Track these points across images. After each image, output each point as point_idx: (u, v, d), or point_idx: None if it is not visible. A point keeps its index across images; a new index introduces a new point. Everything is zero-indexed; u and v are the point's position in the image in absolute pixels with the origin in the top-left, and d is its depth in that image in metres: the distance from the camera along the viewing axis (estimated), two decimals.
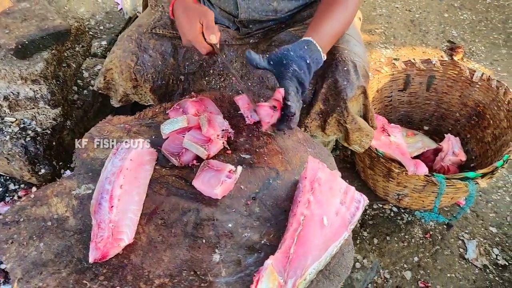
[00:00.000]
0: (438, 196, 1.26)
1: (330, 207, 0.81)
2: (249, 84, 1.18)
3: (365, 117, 1.20)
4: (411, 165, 1.28)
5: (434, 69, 1.70)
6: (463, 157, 1.57)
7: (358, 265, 1.39)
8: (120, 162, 0.85)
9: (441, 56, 2.39)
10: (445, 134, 1.66)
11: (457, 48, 2.42)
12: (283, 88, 0.93)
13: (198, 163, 0.92)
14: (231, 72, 1.05)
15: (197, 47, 1.01)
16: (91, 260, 0.75)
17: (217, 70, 1.23)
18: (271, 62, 0.95)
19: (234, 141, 0.99)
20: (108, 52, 2.01)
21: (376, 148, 1.35)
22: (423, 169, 1.27)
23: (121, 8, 2.48)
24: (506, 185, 1.71)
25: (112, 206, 0.78)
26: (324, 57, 0.99)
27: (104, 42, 2.08)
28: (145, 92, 1.21)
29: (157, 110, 1.07)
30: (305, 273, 0.73)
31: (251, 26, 1.21)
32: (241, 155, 0.96)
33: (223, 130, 0.96)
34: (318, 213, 0.79)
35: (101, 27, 2.44)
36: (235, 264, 0.76)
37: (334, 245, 0.78)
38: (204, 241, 0.79)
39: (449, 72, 1.69)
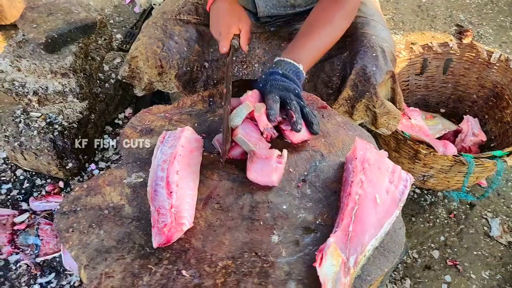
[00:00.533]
0: (467, 176, 1.29)
1: (380, 186, 0.83)
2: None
3: (393, 100, 1.22)
4: (440, 145, 1.31)
5: (451, 52, 1.72)
6: (483, 137, 1.60)
7: None
8: (171, 149, 0.87)
9: (450, 40, 2.41)
10: (463, 116, 1.68)
11: (466, 32, 2.44)
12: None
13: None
14: (227, 79, 1.01)
15: (221, 43, 1.05)
16: (155, 245, 0.76)
17: (240, 57, 1.24)
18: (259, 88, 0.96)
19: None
20: (124, 45, 2.01)
21: (402, 131, 1.37)
22: (452, 149, 1.30)
23: (130, 1, 2.47)
24: None
25: (171, 192, 0.79)
26: (300, 66, 0.97)
27: (119, 36, 2.08)
28: (169, 79, 1.22)
29: (195, 98, 1.08)
30: (365, 249, 0.75)
31: (271, 12, 1.22)
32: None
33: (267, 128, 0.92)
34: (371, 192, 0.81)
35: (111, 21, 2.42)
36: (294, 244, 0.78)
37: (388, 222, 0.80)
38: (261, 223, 0.81)
39: (466, 55, 1.71)
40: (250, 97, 0.93)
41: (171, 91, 1.32)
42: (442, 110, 1.85)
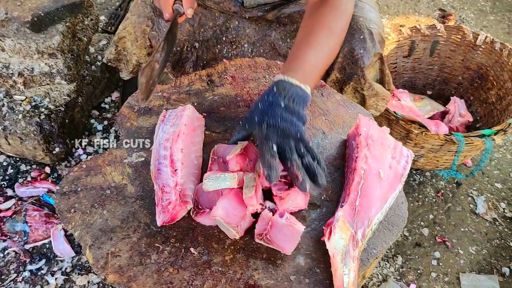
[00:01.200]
0: (457, 154, 1.33)
1: (384, 162, 0.84)
2: (261, 51, 1.18)
3: (381, 81, 1.23)
4: (432, 125, 1.33)
5: (438, 34, 1.75)
6: (469, 118, 1.64)
7: None
8: (173, 128, 0.85)
9: (434, 24, 2.44)
10: (450, 98, 1.72)
11: (448, 16, 2.48)
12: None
13: None
14: (163, 43, 0.85)
15: (163, 9, 0.90)
16: (159, 223, 0.75)
17: (230, 37, 1.22)
18: (246, 126, 0.79)
19: None
20: (109, 27, 1.95)
21: (394, 111, 1.39)
22: (444, 128, 1.33)
23: None
24: (506, 144, 1.81)
25: (176, 170, 0.78)
26: (307, 88, 0.79)
27: (102, 17, 2.01)
28: None
29: (192, 77, 1.06)
30: (371, 223, 0.76)
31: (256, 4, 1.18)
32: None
33: (261, 204, 0.78)
34: (375, 167, 0.82)
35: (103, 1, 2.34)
36: (301, 220, 0.78)
37: (392, 197, 0.81)
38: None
39: (452, 37, 1.74)
40: (235, 164, 0.77)
41: None
42: (429, 92, 1.88)
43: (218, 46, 1.23)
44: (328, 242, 0.72)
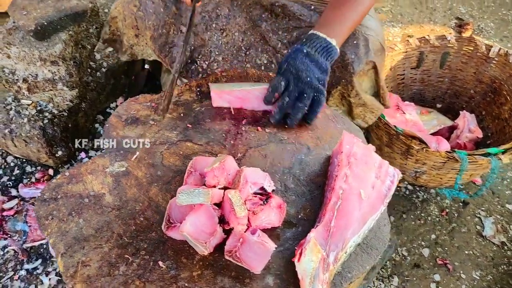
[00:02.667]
0: (460, 173, 1.28)
1: (366, 181, 0.82)
2: (252, 40, 1.18)
3: (377, 94, 1.20)
4: (432, 141, 1.29)
5: (449, 45, 1.70)
6: (479, 134, 1.58)
7: None
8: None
9: (450, 33, 2.37)
10: (460, 112, 1.66)
11: (465, 25, 2.41)
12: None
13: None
14: (185, 39, 1.03)
15: None
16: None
17: (220, 24, 1.20)
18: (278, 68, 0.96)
19: (263, 118, 0.99)
20: None
21: (395, 126, 1.35)
22: (445, 145, 1.28)
23: None
24: None
25: None
26: (333, 40, 0.95)
27: None
28: (146, 43, 1.20)
29: (182, 88, 1.06)
30: (346, 246, 0.74)
31: None
32: (271, 132, 0.96)
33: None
34: (356, 187, 0.80)
35: (106, 10, 2.39)
36: (274, 238, 0.77)
37: (372, 219, 0.79)
38: None
39: (464, 48, 1.68)
40: (213, 177, 0.78)
41: (150, 58, 1.28)
42: (439, 105, 1.82)
43: (208, 33, 1.21)
44: (297, 263, 0.70)
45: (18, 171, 1.59)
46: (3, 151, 1.62)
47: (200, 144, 0.92)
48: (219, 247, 0.75)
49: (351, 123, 1.01)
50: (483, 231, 1.50)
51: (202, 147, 0.91)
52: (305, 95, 0.91)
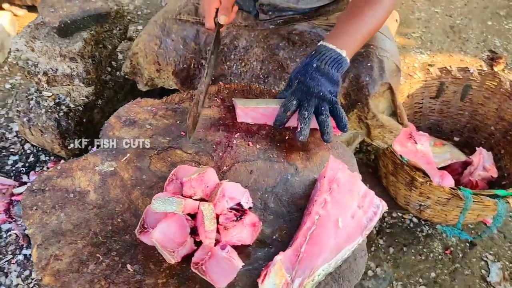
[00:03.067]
0: (463, 212, 1.22)
1: (346, 210, 0.80)
2: (270, 68, 1.17)
3: (394, 113, 1.18)
4: (436, 175, 1.24)
5: (471, 78, 1.64)
6: (494, 173, 1.51)
7: (370, 273, 1.37)
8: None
9: (480, 66, 2.30)
10: (476, 148, 1.60)
11: (498, 59, 2.32)
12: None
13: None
14: (209, 61, 1.01)
15: (205, 20, 1.04)
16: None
17: (238, 55, 1.23)
18: (290, 84, 0.95)
19: (256, 133, 0.99)
20: None
21: (400, 155, 1.32)
22: (449, 181, 1.23)
23: None
24: None
25: None
26: (343, 53, 0.93)
27: (140, 27, 2.13)
28: (167, 76, 1.25)
29: (184, 96, 1.09)
30: (314, 273, 0.72)
31: (270, 13, 1.20)
32: (261, 148, 0.95)
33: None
34: (334, 214, 0.78)
35: (139, 12, 2.49)
36: (245, 256, 0.76)
37: (347, 249, 0.77)
38: None
39: (487, 83, 1.62)
40: (189, 187, 0.77)
41: (171, 88, 1.33)
42: (456, 139, 1.76)
43: (227, 63, 1.25)
44: (260, 285, 0.69)
45: (33, 159, 1.66)
46: (22, 138, 1.71)
47: (189, 153, 0.93)
48: (188, 258, 0.75)
49: (346, 148, 0.99)
50: (488, 276, 1.42)
51: (190, 156, 0.93)
52: (322, 108, 0.89)
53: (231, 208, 0.79)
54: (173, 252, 0.73)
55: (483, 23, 2.63)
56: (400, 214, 1.58)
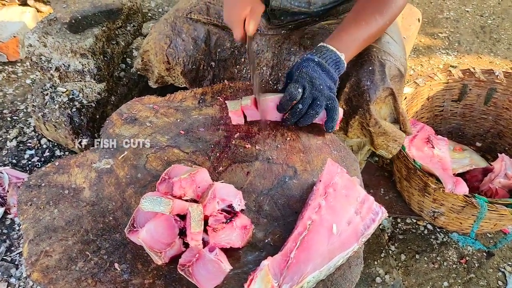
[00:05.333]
0: (477, 220, 1.15)
1: (342, 215, 0.76)
2: (280, 75, 1.15)
3: (397, 121, 1.12)
4: (449, 182, 1.18)
5: (497, 81, 1.55)
6: None
7: (378, 279, 1.31)
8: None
9: (511, 68, 2.18)
10: (498, 154, 1.51)
11: None
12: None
13: None
14: (251, 65, 1.02)
15: (234, 31, 1.01)
16: None
17: (253, 64, 1.21)
18: (288, 80, 0.95)
19: (256, 134, 0.97)
20: None
21: (414, 159, 1.26)
22: (463, 188, 1.17)
23: None
24: None
25: None
26: (342, 56, 0.94)
27: None
28: (177, 75, 1.23)
29: (187, 94, 1.07)
30: (303, 280, 0.69)
31: (282, 18, 1.17)
32: (260, 149, 0.93)
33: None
34: (328, 220, 0.75)
35: (160, 10, 2.50)
36: (235, 260, 0.74)
37: (340, 256, 0.73)
38: None
39: None
40: (179, 188, 0.77)
41: (181, 86, 1.32)
42: (478, 144, 1.67)
43: (237, 66, 1.23)
44: None
45: (48, 154, 1.70)
46: (39, 133, 1.75)
47: (186, 152, 0.92)
48: (177, 259, 0.74)
49: (349, 151, 0.95)
50: None
51: (187, 155, 0.91)
52: (318, 102, 0.90)
53: (222, 210, 0.77)
54: (160, 252, 0.71)
55: None
56: (414, 220, 1.52)
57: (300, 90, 0.89)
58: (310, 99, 0.90)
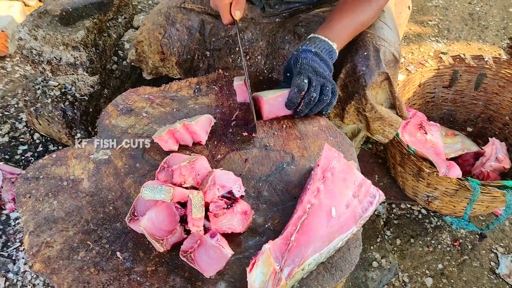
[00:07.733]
0: (470, 203, 1.18)
1: (341, 199, 0.77)
2: (274, 64, 1.16)
3: (393, 105, 1.13)
4: (443, 166, 1.20)
5: (486, 66, 1.57)
6: (507, 164, 1.45)
7: (375, 264, 1.34)
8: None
9: (499, 54, 2.21)
10: (489, 138, 1.54)
11: None
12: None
13: None
14: (240, 49, 1.02)
15: (222, 15, 1.01)
16: None
17: (243, 48, 1.21)
18: (287, 74, 0.97)
19: (252, 122, 0.97)
20: None
21: (408, 145, 1.28)
22: (456, 172, 1.19)
23: None
24: None
25: None
26: (334, 45, 0.96)
27: None
28: (171, 65, 1.23)
29: (182, 84, 1.07)
30: (304, 262, 0.70)
31: (276, 6, 1.17)
32: (257, 136, 0.94)
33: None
34: (327, 203, 0.76)
35: (150, 2, 2.48)
36: (236, 245, 0.75)
37: (340, 238, 0.74)
38: None
39: (502, 71, 1.55)
40: (179, 175, 0.77)
41: (175, 77, 1.32)
42: (469, 129, 1.70)
43: (232, 56, 1.23)
44: (249, 274, 0.68)
45: (41, 148, 1.69)
46: (31, 128, 1.73)
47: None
48: (179, 246, 0.74)
49: (345, 137, 0.96)
50: (497, 268, 1.38)
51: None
52: (327, 88, 0.93)
53: (222, 196, 0.78)
54: (162, 240, 0.72)
55: (505, 9, 2.53)
56: (409, 206, 1.54)
57: (306, 81, 0.91)
58: (318, 86, 0.92)
